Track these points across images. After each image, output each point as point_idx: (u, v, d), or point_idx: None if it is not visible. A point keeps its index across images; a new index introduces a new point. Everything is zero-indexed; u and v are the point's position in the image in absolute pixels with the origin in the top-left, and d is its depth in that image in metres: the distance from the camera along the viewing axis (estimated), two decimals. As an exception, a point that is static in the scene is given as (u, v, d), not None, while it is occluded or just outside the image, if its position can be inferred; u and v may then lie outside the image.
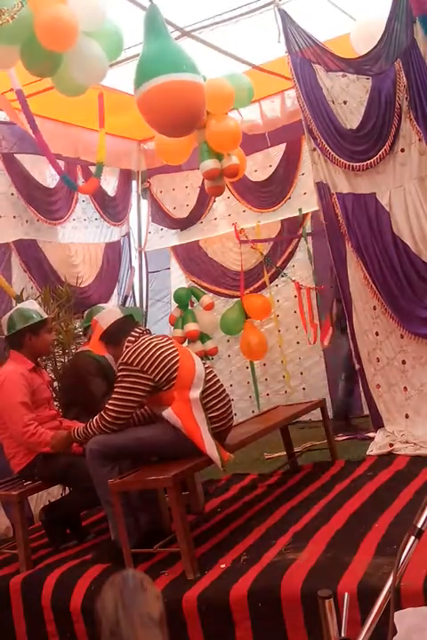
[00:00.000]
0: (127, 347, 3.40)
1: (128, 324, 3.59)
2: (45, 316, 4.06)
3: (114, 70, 4.27)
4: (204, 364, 3.59)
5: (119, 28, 4.13)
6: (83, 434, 3.46)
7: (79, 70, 3.99)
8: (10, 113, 5.25)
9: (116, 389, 3.37)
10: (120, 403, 3.34)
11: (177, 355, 3.41)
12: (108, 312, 3.83)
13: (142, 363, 3.31)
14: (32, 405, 3.78)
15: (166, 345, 3.44)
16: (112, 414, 3.34)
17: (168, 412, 3.34)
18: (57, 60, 3.89)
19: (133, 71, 4.13)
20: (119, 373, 3.38)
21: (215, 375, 3.61)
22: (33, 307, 4.07)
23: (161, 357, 3.35)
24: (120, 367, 3.38)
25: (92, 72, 4.05)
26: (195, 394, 3.37)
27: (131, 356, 3.34)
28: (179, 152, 5.62)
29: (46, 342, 4.02)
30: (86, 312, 4.73)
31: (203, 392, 3.40)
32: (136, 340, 3.42)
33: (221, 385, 3.59)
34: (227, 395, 3.60)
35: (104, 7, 3.94)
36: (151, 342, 3.40)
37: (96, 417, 3.40)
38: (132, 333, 3.48)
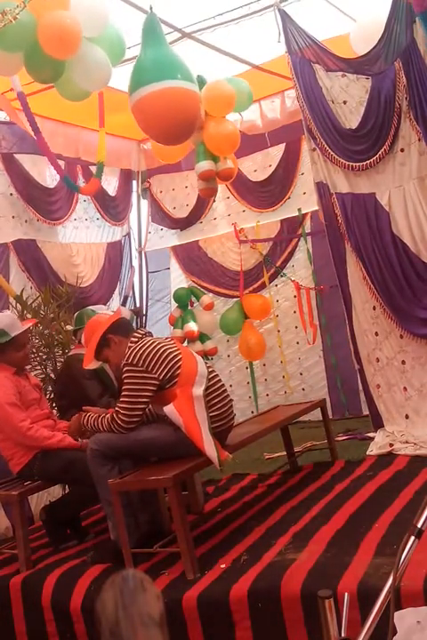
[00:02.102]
0: (130, 348, 3.41)
1: (131, 326, 3.70)
2: (11, 334, 3.82)
3: (114, 70, 4.27)
4: (205, 364, 3.61)
5: (121, 32, 4.14)
6: (92, 425, 3.46)
7: (82, 76, 3.99)
8: (10, 113, 5.25)
9: (123, 392, 3.37)
10: (130, 404, 3.34)
11: (179, 353, 3.44)
12: (125, 311, 4.16)
13: (147, 362, 3.33)
14: (22, 406, 3.77)
15: (168, 344, 3.49)
16: (123, 417, 3.34)
17: (170, 408, 3.34)
18: (60, 66, 3.90)
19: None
20: (125, 375, 3.38)
21: (217, 375, 3.63)
22: (3, 322, 3.88)
23: (164, 355, 3.37)
24: (125, 369, 3.38)
25: (95, 77, 4.06)
26: (198, 391, 3.38)
27: (134, 356, 3.35)
28: (175, 151, 5.63)
29: (14, 360, 3.86)
30: (76, 314, 4.69)
31: (206, 390, 3.42)
32: (138, 341, 3.44)
33: (223, 385, 3.62)
34: (228, 395, 3.62)
35: (106, 12, 3.94)
36: (153, 342, 3.44)
37: (108, 417, 3.40)
38: (135, 334, 3.50)
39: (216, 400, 3.47)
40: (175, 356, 3.40)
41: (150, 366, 3.33)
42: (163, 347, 3.41)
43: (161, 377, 3.34)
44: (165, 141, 4.41)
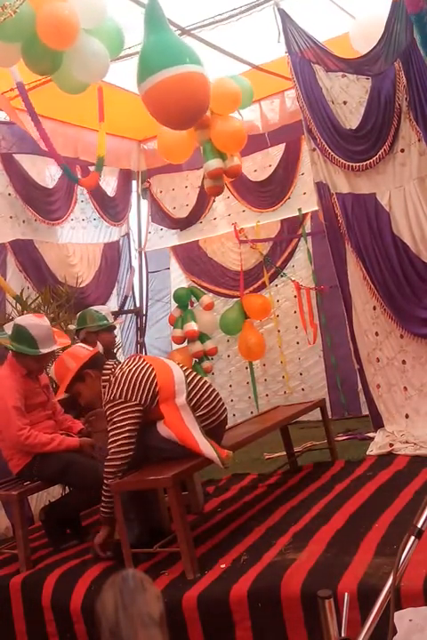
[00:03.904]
0: (105, 386, 3.40)
1: (99, 359, 3.58)
2: (40, 351, 3.77)
3: (114, 66, 4.27)
4: (182, 367, 3.59)
5: (119, 26, 4.13)
6: (105, 495, 3.30)
7: (80, 68, 3.99)
8: (9, 113, 5.25)
9: (110, 430, 3.30)
10: (119, 440, 3.27)
11: (152, 369, 3.41)
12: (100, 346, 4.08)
13: (124, 392, 3.31)
14: (25, 409, 3.76)
15: (139, 365, 3.43)
16: (115, 456, 3.26)
17: (160, 425, 3.36)
18: (58, 58, 3.90)
19: (133, 68, 4.12)
20: (107, 413, 3.34)
21: (196, 374, 3.61)
22: (35, 332, 3.78)
23: (139, 379, 3.34)
24: (106, 407, 3.35)
25: (93, 69, 4.06)
26: (181, 399, 3.39)
27: (111, 391, 3.34)
28: (181, 151, 5.63)
29: (30, 367, 3.84)
30: (79, 314, 4.68)
31: (188, 395, 3.41)
32: (110, 376, 3.41)
33: (206, 382, 3.59)
34: (214, 390, 3.59)
35: (104, 4, 3.93)
36: (123, 372, 3.39)
37: (105, 470, 3.29)
38: (106, 370, 3.46)
39: (202, 399, 3.46)
40: (149, 374, 3.37)
41: (129, 395, 3.30)
42: (135, 371, 3.37)
43: (142, 401, 3.31)
44: (178, 127, 4.40)
